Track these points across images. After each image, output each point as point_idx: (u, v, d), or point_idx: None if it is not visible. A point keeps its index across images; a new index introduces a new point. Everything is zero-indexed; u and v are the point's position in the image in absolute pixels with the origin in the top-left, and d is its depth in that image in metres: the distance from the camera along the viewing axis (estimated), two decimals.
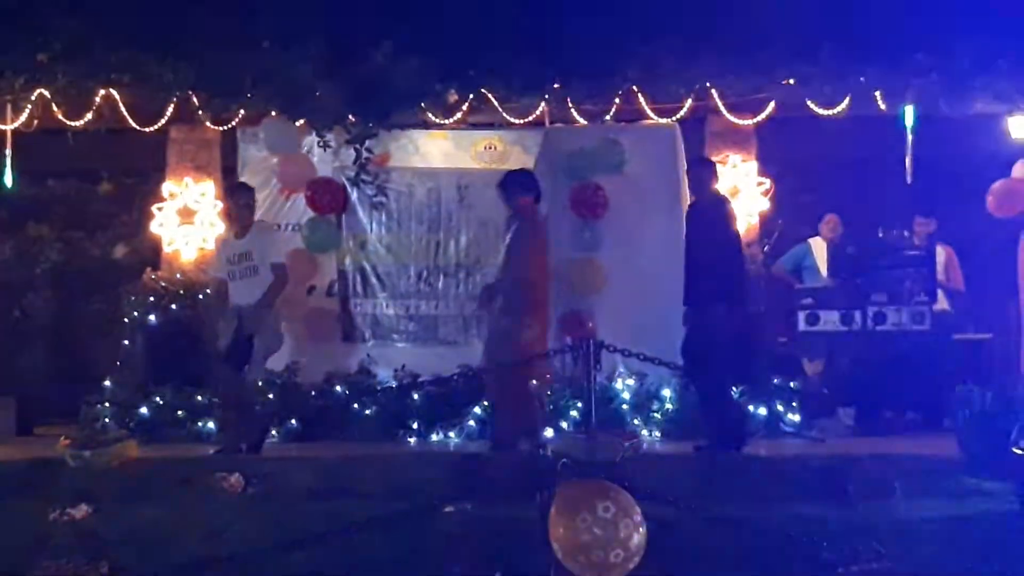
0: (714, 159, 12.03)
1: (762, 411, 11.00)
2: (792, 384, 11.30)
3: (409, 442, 11.00)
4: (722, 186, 11.95)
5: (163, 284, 11.96)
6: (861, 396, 11.09)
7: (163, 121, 11.90)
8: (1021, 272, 11.41)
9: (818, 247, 12.54)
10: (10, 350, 12.12)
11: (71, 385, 11.68)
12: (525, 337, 9.33)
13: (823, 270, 12.29)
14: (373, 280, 12.17)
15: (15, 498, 7.99)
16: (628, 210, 11.65)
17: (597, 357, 6.44)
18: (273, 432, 10.67)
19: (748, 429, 10.21)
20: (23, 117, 11.58)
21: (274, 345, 10.18)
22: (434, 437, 11.07)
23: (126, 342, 11.78)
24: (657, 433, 11.02)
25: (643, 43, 11.12)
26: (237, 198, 10.32)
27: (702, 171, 10.15)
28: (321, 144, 11.65)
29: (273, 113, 11.60)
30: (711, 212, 9.88)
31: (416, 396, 11.23)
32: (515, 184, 9.84)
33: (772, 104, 11.72)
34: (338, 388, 11.39)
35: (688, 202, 11.73)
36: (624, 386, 11.25)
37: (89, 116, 11.62)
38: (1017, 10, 10.59)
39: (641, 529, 4.72)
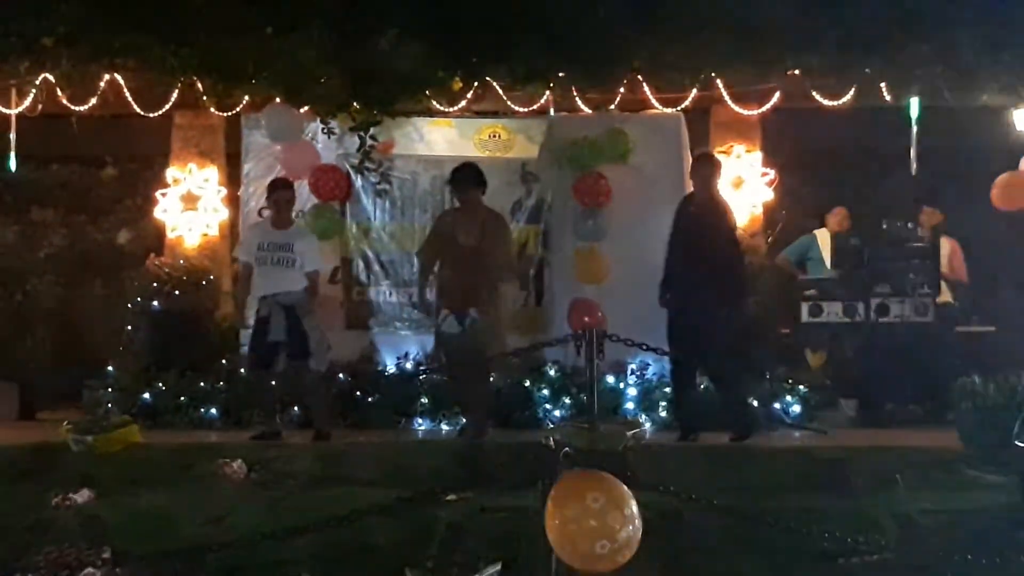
0: (719, 149, 12.08)
1: (764, 402, 10.99)
2: (795, 375, 11.27)
3: (412, 430, 10.99)
4: (727, 176, 12.02)
5: (166, 270, 11.96)
6: (864, 388, 11.09)
7: (167, 107, 11.93)
8: None
9: (824, 239, 12.54)
10: (13, 335, 12.11)
11: (74, 370, 11.68)
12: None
13: (828, 262, 12.29)
14: (376, 268, 12.16)
15: (18, 483, 8.03)
16: (632, 200, 11.61)
17: (600, 347, 6.43)
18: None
19: (750, 419, 10.24)
20: (27, 102, 11.60)
21: (324, 339, 10.58)
22: (437, 425, 11.06)
23: (129, 327, 11.79)
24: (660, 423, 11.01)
25: (648, 33, 11.12)
26: (280, 194, 10.59)
27: (707, 168, 10.29)
28: (325, 131, 11.66)
29: (277, 100, 11.59)
30: (718, 209, 10.14)
31: (419, 384, 11.21)
32: (473, 178, 10.26)
33: (777, 94, 11.71)
34: (341, 375, 11.38)
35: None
36: (627, 376, 11.25)
37: (93, 101, 11.64)
38: (1021, 3, 10.58)
39: (634, 523, 4.70)
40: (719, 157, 11.05)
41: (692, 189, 10.50)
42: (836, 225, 12.50)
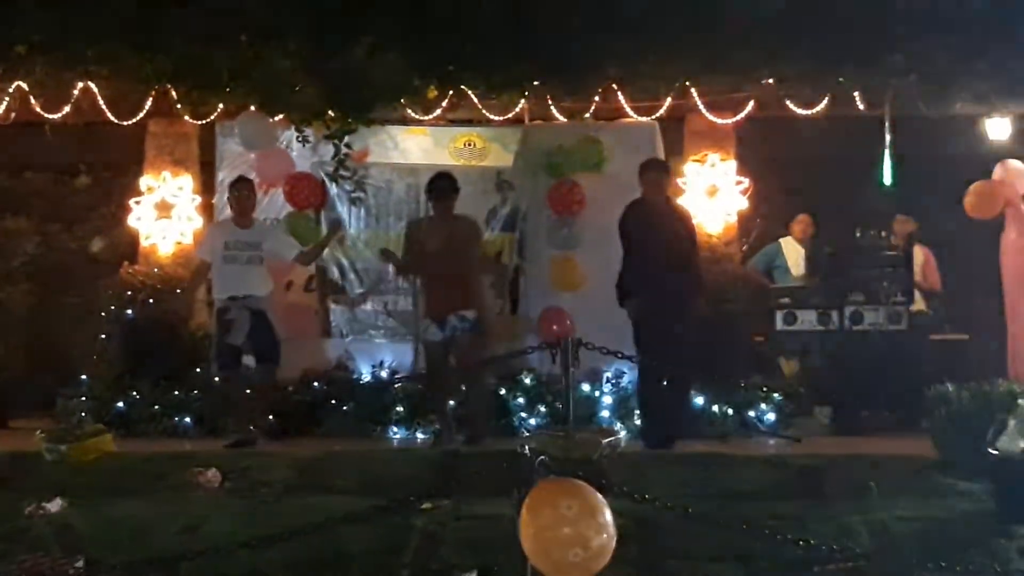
0: (693, 158, 12.12)
1: (735, 410, 11.02)
2: (769, 383, 11.29)
3: (387, 438, 10.98)
4: (701, 185, 12.06)
5: (140, 278, 11.92)
6: (838, 395, 11.11)
7: (141, 115, 11.88)
8: (1004, 273, 11.43)
9: (789, 247, 12.61)
10: None
11: (47, 378, 11.65)
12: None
13: (795, 270, 12.37)
14: (352, 276, 12.17)
15: None
16: (607, 208, 11.56)
17: (575, 355, 6.44)
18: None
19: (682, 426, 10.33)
20: (0, 109, 11.54)
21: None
22: (412, 434, 11.04)
23: (103, 336, 11.74)
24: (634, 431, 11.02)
25: (623, 41, 11.11)
26: (241, 191, 10.63)
27: (659, 174, 10.39)
28: (300, 139, 11.63)
29: (252, 108, 11.57)
30: (674, 213, 10.38)
31: (394, 392, 11.20)
32: (450, 186, 10.46)
33: (751, 103, 11.74)
34: (316, 384, 11.36)
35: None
36: (602, 384, 11.25)
37: (67, 109, 11.59)
38: (995, 12, 10.62)
39: (607, 531, 4.69)
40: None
41: (645, 195, 10.53)
42: (800, 232, 12.61)
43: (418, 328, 10.68)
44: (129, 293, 11.74)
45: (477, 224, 10.93)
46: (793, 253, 12.63)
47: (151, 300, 11.74)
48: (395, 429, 11.06)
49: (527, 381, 11.20)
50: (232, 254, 10.30)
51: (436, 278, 10.31)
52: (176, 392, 11.19)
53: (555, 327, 11.29)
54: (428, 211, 10.89)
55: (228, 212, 11.23)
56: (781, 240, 12.76)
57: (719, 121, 12.05)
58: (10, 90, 11.37)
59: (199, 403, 11.13)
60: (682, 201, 12.07)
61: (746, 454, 9.32)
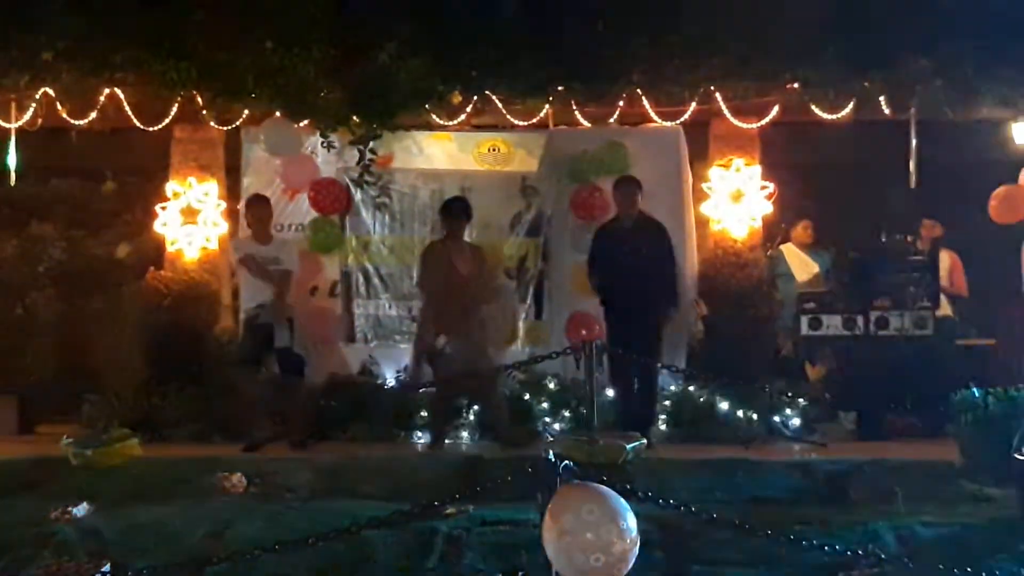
0: (718, 163, 12.11)
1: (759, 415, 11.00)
2: (794, 388, 11.25)
3: (411, 443, 10.98)
4: (726, 190, 12.04)
5: (166, 283, 11.94)
6: (863, 401, 11.07)
7: (167, 120, 11.91)
8: None
9: (792, 254, 12.57)
10: (13, 348, 12.11)
11: (74, 383, 11.66)
12: None
13: (799, 276, 12.32)
14: (376, 281, 12.19)
15: (17, 496, 8.02)
16: None
17: (599, 360, 6.44)
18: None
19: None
20: (27, 116, 11.59)
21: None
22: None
23: (129, 341, 11.77)
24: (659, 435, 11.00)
25: (647, 47, 11.13)
26: (257, 210, 10.97)
27: (630, 189, 10.72)
28: (325, 145, 11.68)
29: (277, 113, 11.60)
30: (644, 229, 10.65)
31: (418, 397, 11.20)
32: (466, 210, 10.78)
33: (776, 108, 11.71)
34: (340, 389, 11.37)
35: (690, 205, 11.82)
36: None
37: (93, 115, 11.63)
38: (1021, 16, 10.58)
39: (630, 536, 4.69)
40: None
41: (619, 211, 10.85)
42: (803, 237, 12.58)
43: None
44: (155, 298, 11.77)
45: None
46: (796, 260, 12.59)
47: (177, 305, 11.77)
48: (419, 434, 11.07)
49: (551, 386, 11.20)
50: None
51: (458, 298, 10.49)
52: (202, 397, 11.21)
53: (584, 331, 11.29)
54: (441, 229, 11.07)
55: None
56: (782, 247, 12.71)
57: (744, 126, 12.01)
58: (37, 96, 11.42)
59: (221, 407, 11.14)
60: (706, 207, 12.10)
61: (771, 459, 9.29)
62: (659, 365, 9.74)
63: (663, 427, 10.94)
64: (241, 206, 11.90)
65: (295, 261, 10.90)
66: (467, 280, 10.55)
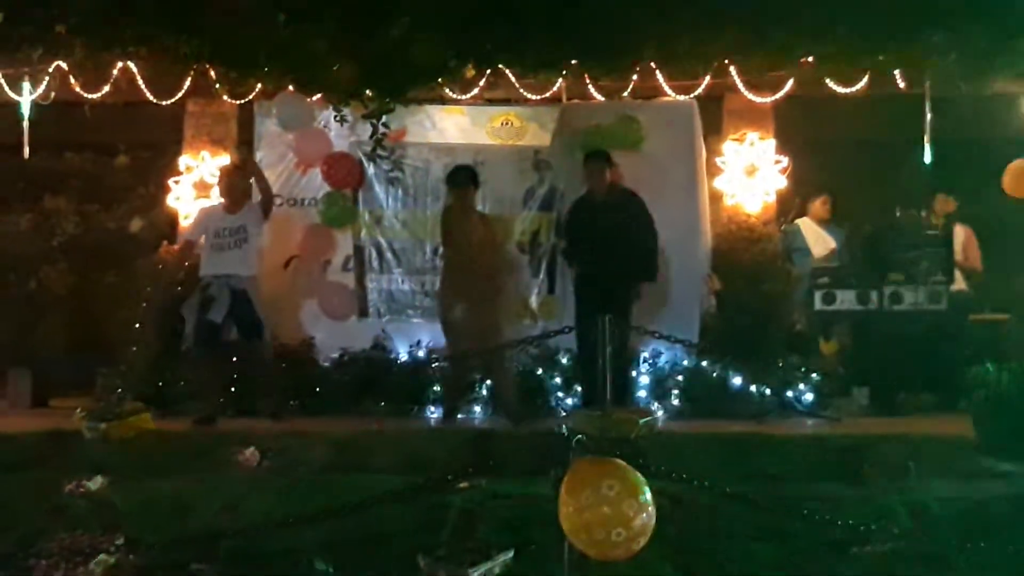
0: (732, 137, 12.08)
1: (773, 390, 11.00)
2: (807, 363, 11.24)
3: (424, 417, 10.99)
4: (739, 164, 12.02)
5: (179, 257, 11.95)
6: (876, 376, 11.06)
7: (180, 94, 11.93)
8: None
9: (808, 228, 12.52)
10: (26, 322, 12.11)
11: (87, 357, 11.68)
12: None
13: (816, 251, 12.28)
14: (389, 255, 12.18)
15: (31, 470, 8.03)
16: (645, 187, 11.51)
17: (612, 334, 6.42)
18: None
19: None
20: (40, 89, 11.61)
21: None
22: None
23: (142, 315, 11.78)
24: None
25: (661, 21, 11.07)
26: (228, 180, 11.00)
27: (598, 165, 10.74)
28: (338, 119, 11.66)
29: (290, 87, 11.59)
30: (618, 203, 10.69)
31: (432, 371, 11.21)
32: (473, 177, 10.88)
33: (790, 82, 11.66)
34: (353, 363, 11.38)
35: (703, 179, 11.79)
36: (639, 364, 11.23)
37: (106, 89, 11.66)
38: None
39: (648, 510, 4.69)
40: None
41: (589, 187, 10.88)
42: (822, 212, 12.51)
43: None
44: (168, 272, 11.78)
45: None
46: (813, 235, 12.53)
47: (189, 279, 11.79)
48: (432, 408, 11.07)
49: (564, 361, 11.20)
50: (219, 241, 10.68)
51: (467, 269, 10.56)
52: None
53: None
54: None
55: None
56: (799, 222, 12.65)
57: (758, 100, 11.97)
58: (50, 70, 11.44)
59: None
60: (720, 181, 12.08)
61: (784, 434, 9.28)
62: (671, 339, 9.68)
63: (675, 402, 10.93)
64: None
65: (260, 230, 10.92)
66: (477, 249, 10.62)
